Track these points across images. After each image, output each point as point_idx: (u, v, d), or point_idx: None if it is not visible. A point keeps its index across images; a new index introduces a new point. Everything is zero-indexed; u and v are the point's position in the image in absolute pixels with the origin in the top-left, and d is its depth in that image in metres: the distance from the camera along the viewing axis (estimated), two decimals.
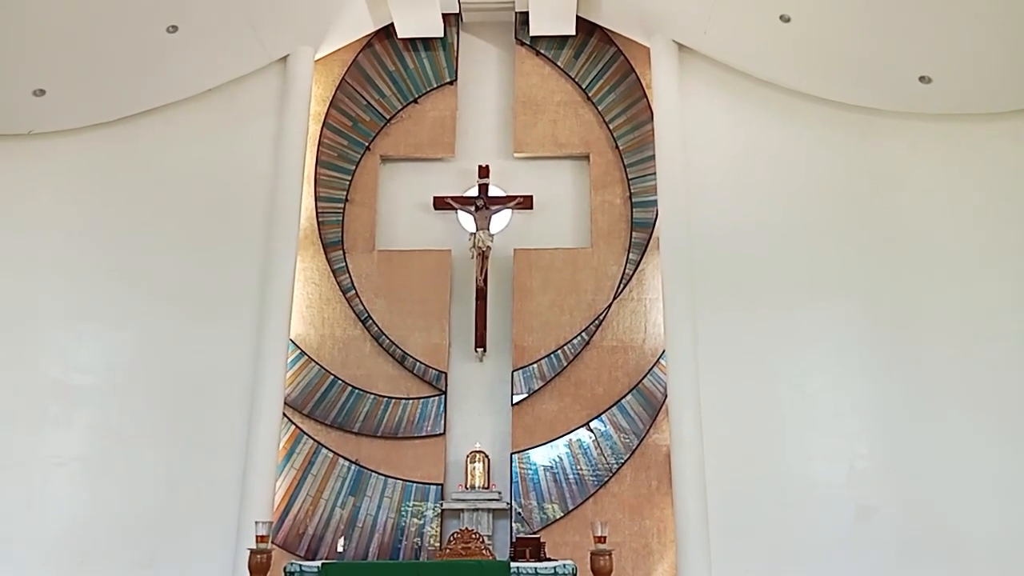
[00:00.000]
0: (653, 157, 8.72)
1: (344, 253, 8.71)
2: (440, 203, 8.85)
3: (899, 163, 8.43)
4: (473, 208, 8.71)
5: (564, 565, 5.29)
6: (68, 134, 8.79)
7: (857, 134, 8.59)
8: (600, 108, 9.06)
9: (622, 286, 8.51)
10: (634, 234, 8.64)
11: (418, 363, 8.35)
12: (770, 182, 8.59)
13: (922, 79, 8.07)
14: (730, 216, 8.52)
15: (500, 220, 8.85)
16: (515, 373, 8.27)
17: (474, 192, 8.88)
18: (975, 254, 8.01)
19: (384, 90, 9.21)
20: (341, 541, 6.98)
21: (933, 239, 8.13)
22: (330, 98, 9.17)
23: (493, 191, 8.87)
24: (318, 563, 5.36)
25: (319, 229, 8.77)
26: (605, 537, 5.18)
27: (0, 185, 8.59)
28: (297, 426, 8.18)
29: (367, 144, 9.04)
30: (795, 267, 8.30)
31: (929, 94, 8.18)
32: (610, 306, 8.46)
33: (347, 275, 8.65)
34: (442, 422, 8.19)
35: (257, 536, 5.25)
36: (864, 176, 8.45)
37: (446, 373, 8.35)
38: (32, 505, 7.67)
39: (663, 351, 8.19)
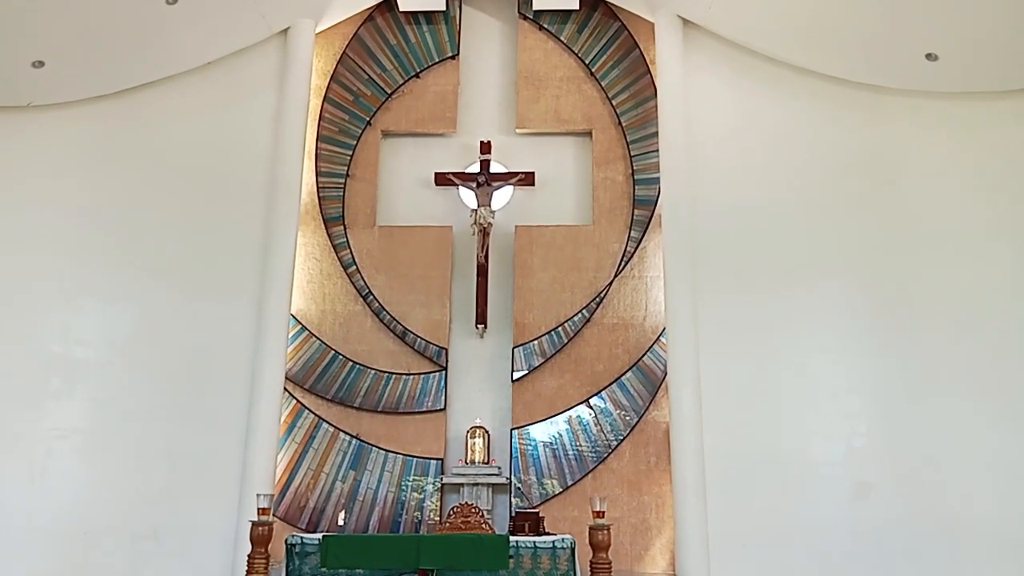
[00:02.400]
0: (656, 134, 8.66)
1: (345, 228, 8.69)
2: (441, 179, 8.81)
3: (903, 141, 8.37)
4: (474, 184, 8.67)
5: (563, 539, 5.33)
6: (67, 107, 8.73)
7: (862, 112, 8.53)
8: (603, 84, 8.98)
9: (623, 263, 8.49)
10: (636, 211, 8.60)
11: (419, 339, 8.36)
12: (773, 160, 8.54)
13: (928, 56, 8.00)
14: (733, 194, 8.48)
15: (502, 196, 8.82)
16: (515, 350, 8.29)
17: (476, 168, 8.83)
18: (978, 234, 7.96)
19: (385, 64, 9.13)
20: (342, 515, 7.03)
21: (936, 218, 8.08)
22: (331, 72, 9.09)
23: (495, 167, 8.83)
24: (319, 535, 5.40)
25: (320, 204, 8.74)
26: (603, 512, 5.21)
27: None
28: (298, 401, 8.22)
29: (368, 119, 8.98)
30: (796, 246, 8.28)
31: (935, 71, 8.11)
32: (611, 283, 8.45)
33: (348, 251, 8.64)
34: (442, 398, 8.22)
35: (259, 508, 5.29)
36: (868, 154, 8.40)
37: (447, 349, 8.37)
38: (34, 479, 7.72)
39: (663, 329, 8.20)
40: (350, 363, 8.32)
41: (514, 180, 8.75)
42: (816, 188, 8.39)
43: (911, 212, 8.15)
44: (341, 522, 6.60)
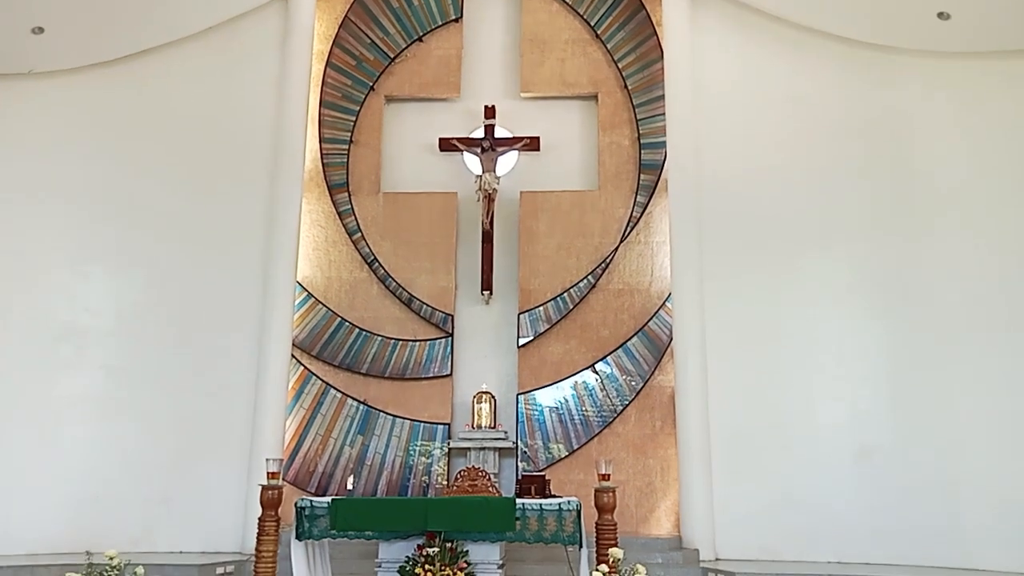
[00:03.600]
0: (663, 97, 8.56)
1: (349, 195, 8.66)
2: (446, 144, 8.74)
3: (914, 103, 8.21)
4: (479, 150, 8.60)
5: (568, 502, 5.38)
6: (68, 73, 8.66)
7: (871, 73, 8.38)
8: (609, 46, 8.85)
9: (629, 229, 8.45)
10: (642, 176, 8.54)
11: (425, 306, 8.38)
12: (781, 122, 8.44)
13: (940, 15, 7.83)
14: (740, 157, 8.40)
15: (506, 162, 8.75)
16: (521, 316, 8.30)
17: (480, 133, 8.75)
18: (989, 199, 7.79)
19: (388, 28, 9.01)
20: (350, 479, 7.11)
21: (945, 181, 7.94)
22: (333, 36, 8.98)
23: (499, 132, 8.75)
24: (328, 499, 5.47)
25: (324, 171, 8.70)
26: (609, 475, 5.25)
27: (1, 126, 8.49)
28: (305, 367, 8.27)
29: (371, 84, 8.88)
30: (804, 209, 8.21)
31: (947, 30, 7.93)
32: (617, 249, 8.42)
33: (353, 217, 8.61)
34: (449, 363, 8.26)
35: (268, 473, 5.36)
36: (877, 117, 8.27)
37: (452, 316, 8.38)
38: (46, 445, 7.81)
39: (669, 294, 8.19)
40: (356, 330, 8.36)
41: (519, 145, 8.68)
42: (824, 151, 8.29)
43: (921, 175, 8.03)
44: (350, 486, 6.68)
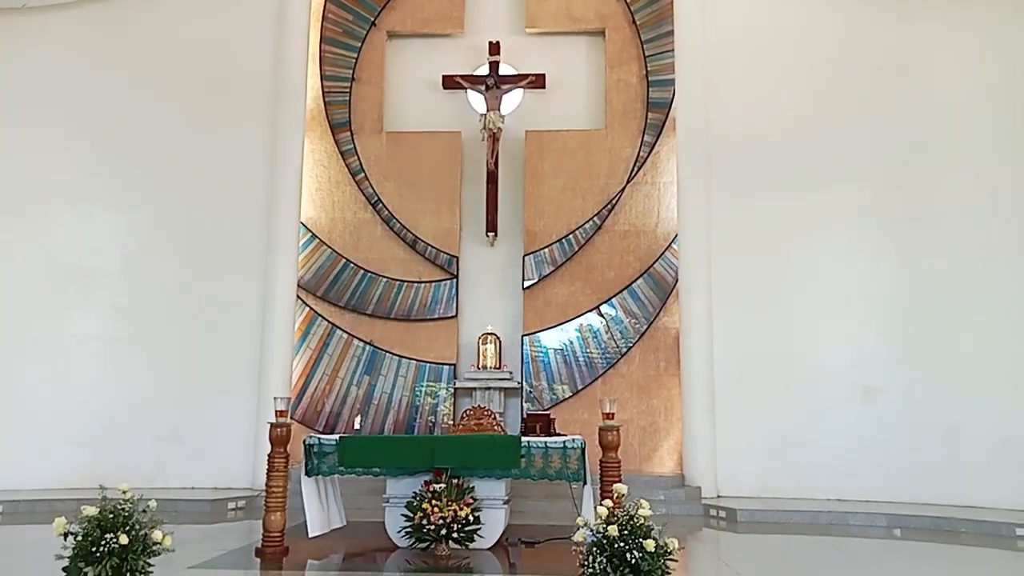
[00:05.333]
0: (672, 33, 8.35)
1: (352, 135, 8.54)
2: (449, 82, 8.57)
3: (928, 41, 7.96)
4: (483, 87, 8.43)
5: (573, 440, 5.42)
6: (64, 8, 8.46)
7: (886, 11, 8.12)
8: None
9: (636, 169, 8.34)
10: (650, 115, 8.38)
11: (429, 247, 8.35)
12: (792, 60, 8.23)
13: None
14: (750, 95, 8.23)
15: (511, 100, 8.58)
16: (526, 257, 8.27)
17: (484, 70, 8.57)
18: (1002, 140, 7.59)
19: None
20: (358, 419, 7.17)
21: (958, 123, 7.73)
22: None
23: (504, 69, 8.56)
24: (336, 436, 5.53)
25: (326, 109, 8.56)
26: (613, 414, 5.28)
27: None
28: (311, 308, 8.29)
29: (373, 19, 8.66)
30: (814, 150, 8.07)
31: None
32: (623, 189, 8.33)
33: (356, 157, 8.51)
34: (454, 305, 8.27)
35: (276, 411, 5.40)
36: (890, 56, 8.04)
37: (457, 257, 8.36)
38: (58, 384, 7.90)
39: (675, 235, 8.13)
40: (361, 271, 8.35)
41: (524, 83, 8.50)
42: (836, 90, 8.11)
43: (932, 115, 7.83)
44: (357, 426, 6.74)
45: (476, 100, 8.57)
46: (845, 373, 7.69)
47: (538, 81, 8.51)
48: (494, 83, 8.40)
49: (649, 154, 8.34)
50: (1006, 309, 7.33)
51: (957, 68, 7.87)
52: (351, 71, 8.60)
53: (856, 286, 7.85)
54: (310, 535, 5.45)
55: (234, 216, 8.31)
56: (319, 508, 5.60)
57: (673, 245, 8.14)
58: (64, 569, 3.34)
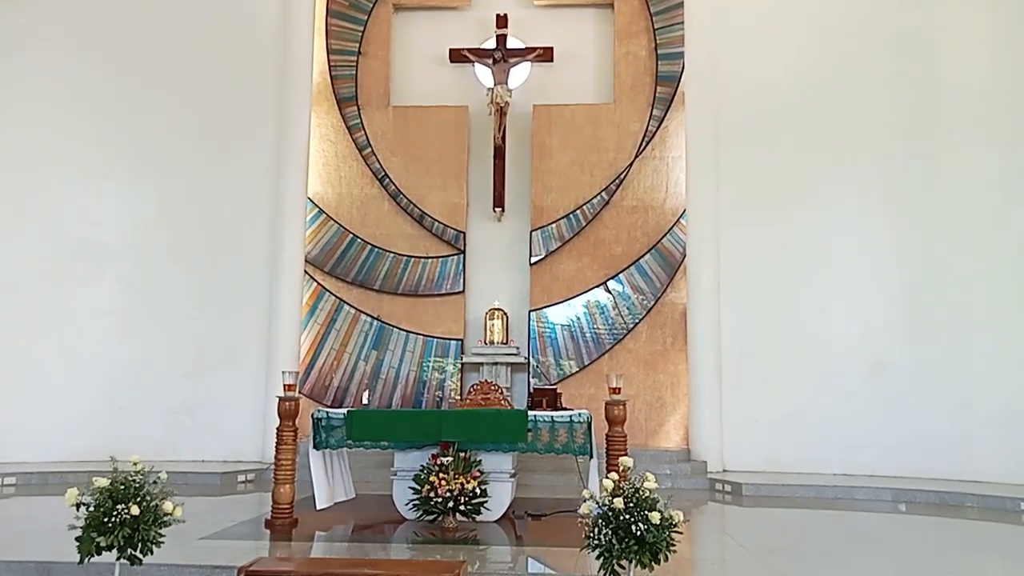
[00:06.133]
0: (681, 5, 8.24)
1: (359, 109, 8.49)
2: (456, 55, 8.49)
3: (939, 13, 7.81)
4: (491, 61, 8.35)
5: (579, 414, 5.45)
6: None
7: None
8: None
9: (644, 143, 8.28)
10: (659, 88, 8.29)
11: (436, 222, 8.33)
12: (802, 33, 8.11)
13: None
14: (760, 69, 8.12)
15: (519, 74, 8.50)
16: (533, 233, 8.24)
17: (492, 44, 8.48)
18: (1019, 112, 7.48)
19: None
20: (365, 394, 7.25)
21: (972, 93, 7.63)
22: None
23: (512, 43, 8.47)
24: (344, 410, 5.57)
25: (332, 84, 8.50)
26: (620, 388, 5.30)
27: (6, 39, 8.27)
28: (319, 283, 8.31)
29: None
30: (824, 124, 7.98)
31: None
32: (631, 164, 8.27)
33: (362, 132, 8.47)
34: (461, 280, 8.27)
35: (285, 385, 5.44)
36: (901, 28, 7.90)
37: (464, 233, 8.35)
38: (69, 358, 7.95)
39: (683, 211, 8.08)
40: (369, 246, 8.35)
41: (532, 56, 8.42)
42: (846, 63, 7.99)
43: (946, 86, 7.72)
44: (365, 400, 6.80)
45: (483, 74, 8.49)
46: (854, 348, 7.67)
47: (546, 54, 8.42)
48: (501, 56, 8.32)
49: (658, 128, 8.26)
50: (1018, 284, 7.28)
51: (973, 37, 7.74)
52: (358, 44, 8.54)
53: (866, 261, 7.80)
54: (318, 507, 5.52)
55: (242, 191, 8.30)
56: (326, 481, 5.66)
57: (681, 220, 8.10)
58: (77, 539, 3.39)
